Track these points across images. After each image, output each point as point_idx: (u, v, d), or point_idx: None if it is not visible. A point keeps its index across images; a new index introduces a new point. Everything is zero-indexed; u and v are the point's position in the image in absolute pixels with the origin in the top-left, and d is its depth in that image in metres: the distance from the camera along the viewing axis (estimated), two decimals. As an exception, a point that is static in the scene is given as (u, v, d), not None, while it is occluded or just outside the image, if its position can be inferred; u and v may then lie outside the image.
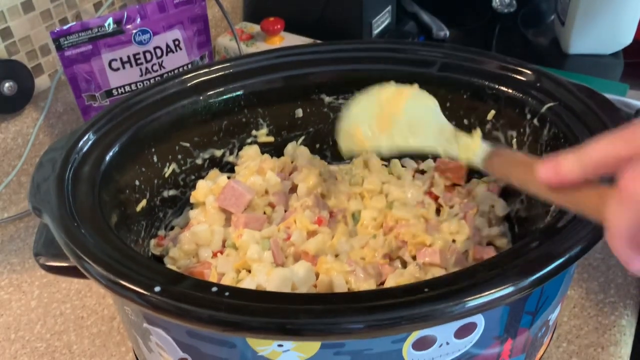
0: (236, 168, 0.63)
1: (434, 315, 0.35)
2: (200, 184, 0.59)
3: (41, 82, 0.81)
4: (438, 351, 0.40)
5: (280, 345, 0.38)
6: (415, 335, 0.38)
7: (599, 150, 0.33)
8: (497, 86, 0.57)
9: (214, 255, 0.55)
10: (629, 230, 0.30)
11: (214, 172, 0.63)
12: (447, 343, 0.40)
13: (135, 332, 0.46)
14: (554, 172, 0.35)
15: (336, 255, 0.53)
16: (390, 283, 0.50)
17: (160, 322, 0.41)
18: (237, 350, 0.39)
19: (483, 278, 0.36)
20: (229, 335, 0.38)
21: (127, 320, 0.46)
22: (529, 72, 0.56)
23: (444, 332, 0.39)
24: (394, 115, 0.50)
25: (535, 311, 0.43)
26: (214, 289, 0.37)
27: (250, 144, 0.64)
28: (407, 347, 0.39)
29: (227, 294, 0.36)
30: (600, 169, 0.33)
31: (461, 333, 0.40)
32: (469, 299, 0.35)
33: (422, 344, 0.39)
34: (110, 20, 0.71)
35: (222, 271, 0.52)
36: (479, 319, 0.40)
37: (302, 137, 0.66)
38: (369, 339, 0.38)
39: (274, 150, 0.65)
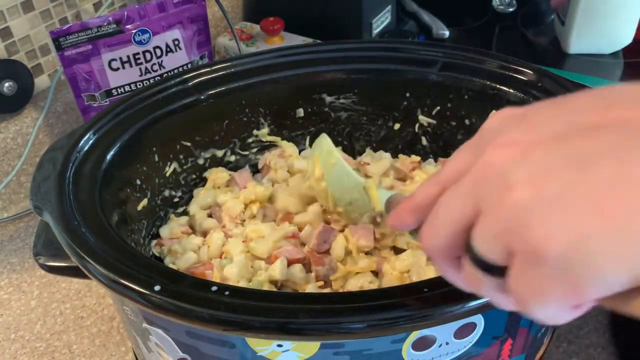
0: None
1: (434, 315, 0.35)
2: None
3: (41, 82, 0.81)
4: (438, 351, 0.40)
5: (279, 345, 0.38)
6: (415, 335, 0.38)
7: (419, 195, 0.31)
8: (498, 86, 0.57)
9: (214, 255, 0.55)
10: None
11: (215, 170, 0.63)
12: (447, 343, 0.40)
13: (134, 332, 0.46)
14: (399, 221, 0.33)
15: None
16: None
17: (160, 322, 0.41)
18: (236, 350, 0.39)
19: (483, 278, 0.36)
20: (229, 335, 0.38)
21: (127, 321, 0.46)
22: (530, 71, 0.56)
23: (443, 332, 0.39)
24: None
25: (536, 311, 0.43)
26: (214, 288, 0.37)
27: (252, 143, 0.64)
28: (406, 347, 0.39)
29: (227, 293, 0.36)
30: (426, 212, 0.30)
31: (461, 333, 0.40)
32: (469, 299, 0.35)
33: (421, 344, 0.39)
34: (110, 20, 0.71)
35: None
36: (479, 319, 0.40)
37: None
38: (368, 339, 0.38)
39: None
